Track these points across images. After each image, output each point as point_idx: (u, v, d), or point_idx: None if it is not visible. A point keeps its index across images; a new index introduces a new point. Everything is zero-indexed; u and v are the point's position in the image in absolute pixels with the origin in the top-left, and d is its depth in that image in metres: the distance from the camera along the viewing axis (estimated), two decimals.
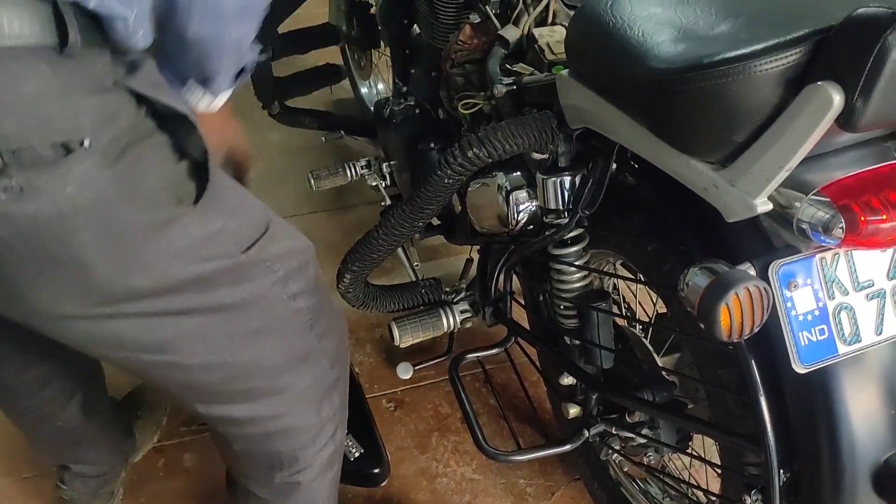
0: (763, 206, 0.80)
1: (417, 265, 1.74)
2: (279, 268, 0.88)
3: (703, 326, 0.81)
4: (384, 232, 1.18)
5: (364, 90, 2.53)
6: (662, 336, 1.25)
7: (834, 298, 0.83)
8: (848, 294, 0.83)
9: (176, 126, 0.76)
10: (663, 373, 1.18)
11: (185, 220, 0.76)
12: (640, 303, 1.39)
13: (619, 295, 1.39)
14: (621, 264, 1.26)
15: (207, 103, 0.89)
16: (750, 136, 0.79)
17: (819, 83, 0.72)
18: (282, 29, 1.91)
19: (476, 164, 1.08)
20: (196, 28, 0.77)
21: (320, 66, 2.07)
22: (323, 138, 2.00)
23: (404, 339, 1.38)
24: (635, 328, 1.27)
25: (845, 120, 0.72)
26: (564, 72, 1.05)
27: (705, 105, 0.79)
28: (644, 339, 1.24)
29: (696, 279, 0.81)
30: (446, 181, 1.09)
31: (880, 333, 0.84)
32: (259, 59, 1.85)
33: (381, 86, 2.52)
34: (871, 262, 0.84)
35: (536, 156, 1.13)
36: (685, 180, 0.88)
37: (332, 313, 1.04)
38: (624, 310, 1.38)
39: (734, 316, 0.78)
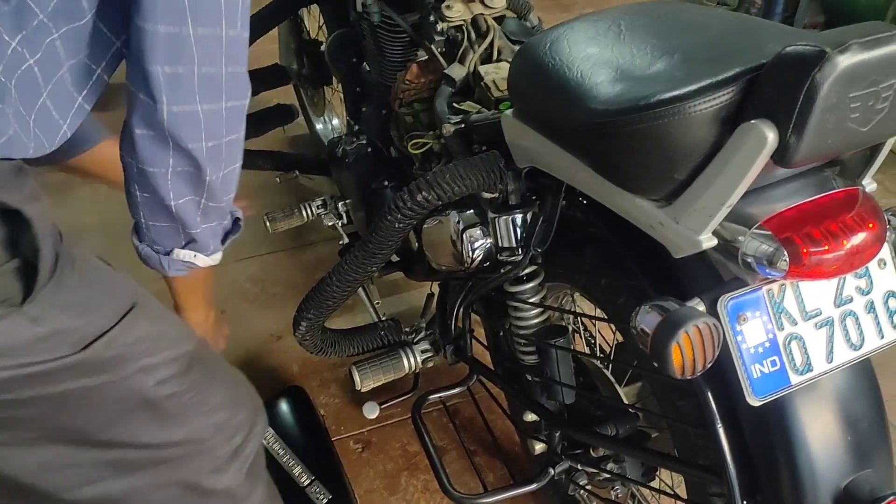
0: (708, 241, 0.80)
1: (378, 303, 1.73)
2: (140, 354, 0.81)
3: (656, 364, 0.80)
4: (338, 279, 1.17)
5: (319, 126, 2.52)
6: (624, 365, 1.26)
7: (783, 329, 0.83)
8: (797, 324, 0.84)
9: (7, 222, 0.70)
10: (626, 404, 1.18)
11: (7, 320, 0.70)
12: (599, 331, 1.39)
13: (580, 325, 1.39)
14: (580, 295, 1.26)
15: (203, 262, 0.91)
16: (690, 174, 0.80)
17: (753, 121, 0.73)
18: None
19: (426, 207, 1.07)
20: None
21: (272, 106, 2.06)
22: (278, 179, 1.98)
23: (365, 383, 1.37)
24: (596, 360, 1.27)
25: (780, 157, 0.73)
26: (509, 111, 1.06)
27: (644, 146, 0.80)
28: (605, 371, 1.23)
29: (647, 318, 0.81)
30: (397, 225, 1.08)
31: (831, 361, 0.84)
32: None
33: (335, 121, 2.52)
34: (817, 291, 0.85)
35: (486, 195, 1.13)
36: (631, 218, 0.88)
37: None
38: (584, 341, 1.38)
39: (686, 353, 0.78)
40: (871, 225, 0.80)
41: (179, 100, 0.73)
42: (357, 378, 1.36)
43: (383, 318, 1.64)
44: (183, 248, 0.90)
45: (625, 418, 1.14)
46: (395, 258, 1.65)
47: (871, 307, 0.87)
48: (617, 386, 1.22)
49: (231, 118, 0.78)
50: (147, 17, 0.69)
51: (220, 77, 0.75)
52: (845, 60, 0.69)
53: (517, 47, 1.40)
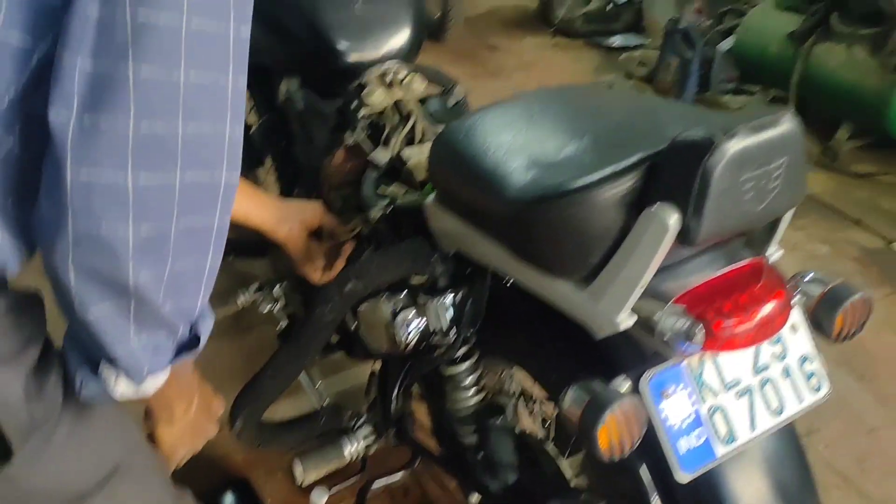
0: (626, 321, 0.83)
1: (320, 385, 1.71)
2: None
3: (584, 448, 0.81)
4: (272, 374, 1.16)
5: None
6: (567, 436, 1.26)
7: (706, 401, 0.85)
8: (718, 395, 0.86)
9: None
10: (568, 481, 1.18)
11: None
12: (541, 403, 1.39)
13: (521, 398, 1.39)
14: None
15: (126, 390, 0.68)
16: (604, 257, 0.83)
17: (655, 206, 0.76)
18: None
19: (355, 297, 1.08)
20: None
21: None
22: None
23: (308, 475, 1.34)
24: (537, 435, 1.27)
25: (683, 238, 0.76)
26: (431, 198, 1.08)
27: (557, 233, 0.82)
28: (547, 446, 1.24)
29: (573, 400, 0.82)
30: (326, 319, 1.08)
31: (755, 429, 0.87)
32: None
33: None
34: (735, 361, 0.88)
35: (416, 279, 1.14)
36: (553, 300, 0.90)
37: None
38: (528, 413, 1.38)
39: (612, 435, 0.79)
40: (776, 294, 0.83)
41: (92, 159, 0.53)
42: (299, 471, 1.34)
43: (325, 403, 1.62)
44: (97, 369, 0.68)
45: (568, 494, 1.14)
46: (335, 338, 1.64)
47: (787, 372, 0.90)
48: (561, 459, 1.22)
49: (191, 195, 0.58)
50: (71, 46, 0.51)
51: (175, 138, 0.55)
52: (734, 146, 0.73)
53: (440, 127, 1.44)
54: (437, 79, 1.96)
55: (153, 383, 0.70)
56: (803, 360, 0.91)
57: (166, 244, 0.58)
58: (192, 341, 0.72)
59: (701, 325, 0.80)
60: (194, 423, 0.93)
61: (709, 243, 0.79)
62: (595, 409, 0.79)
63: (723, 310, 0.81)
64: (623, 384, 0.84)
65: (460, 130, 1.00)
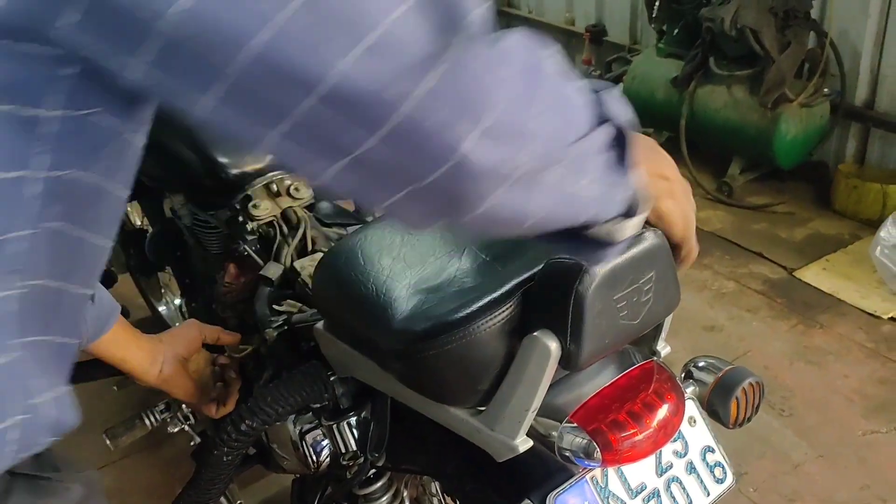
0: (523, 444, 0.81)
1: (241, 502, 1.64)
2: None
3: None
4: None
5: (162, 309, 2.43)
6: None
7: None
8: None
9: None
10: None
11: None
12: None
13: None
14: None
15: None
16: (493, 384, 0.81)
17: (535, 334, 0.76)
18: None
19: (253, 434, 1.03)
20: None
21: None
22: (115, 387, 1.87)
23: None
24: None
25: (566, 363, 0.76)
26: (320, 324, 1.05)
27: (443, 366, 0.81)
28: None
29: None
30: (225, 459, 1.03)
31: None
32: None
33: (178, 300, 2.44)
34: (639, 467, 0.87)
35: (316, 405, 1.10)
36: (451, 427, 0.88)
37: None
38: None
39: None
40: (668, 397, 0.84)
41: None
42: None
43: None
44: None
45: None
46: (252, 450, 1.58)
47: (691, 468, 0.90)
48: None
49: None
50: None
51: None
52: (601, 269, 0.73)
53: (331, 232, 1.42)
54: None
55: None
56: (705, 451, 0.91)
57: None
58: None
59: (596, 442, 0.79)
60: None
61: (591, 364, 0.79)
62: None
63: (617, 422, 0.81)
64: None
65: (340, 255, 0.98)
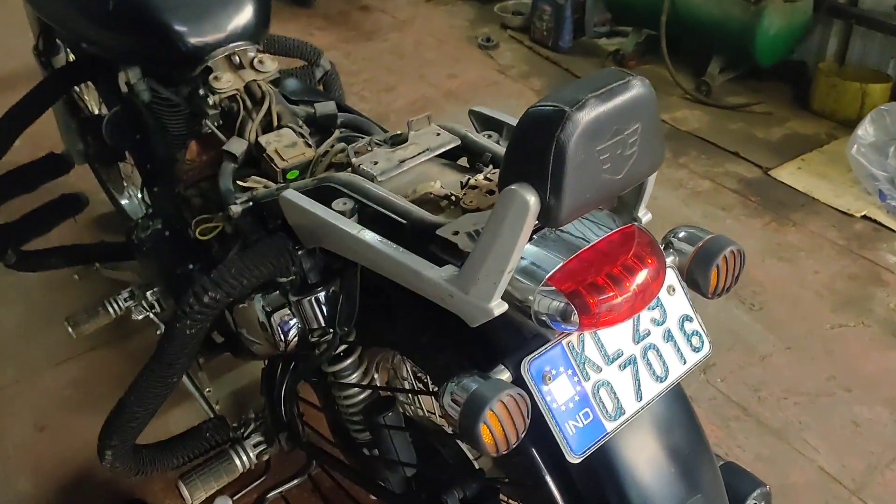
0: (498, 308, 0.78)
1: (209, 390, 1.62)
2: None
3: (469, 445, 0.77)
4: (137, 398, 1.07)
5: (125, 202, 2.35)
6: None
7: (590, 379, 0.82)
8: (602, 370, 0.83)
9: None
10: (472, 461, 1.15)
11: None
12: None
13: (416, 386, 1.35)
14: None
15: None
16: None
17: (513, 186, 0.71)
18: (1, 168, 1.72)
19: (216, 307, 0.99)
20: None
21: (56, 198, 1.89)
22: (76, 276, 1.82)
23: (195, 495, 1.26)
24: (435, 419, 1.24)
25: (545, 218, 0.71)
26: (288, 191, 1.00)
27: None
28: (446, 427, 1.20)
29: (452, 398, 0.78)
30: (188, 332, 1.00)
31: (641, 399, 0.84)
32: None
33: (140, 194, 2.35)
34: (616, 333, 0.85)
35: (282, 279, 1.06)
36: (423, 293, 0.85)
37: None
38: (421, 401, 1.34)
39: (495, 431, 0.75)
40: (649, 261, 0.81)
41: None
42: (186, 493, 1.25)
43: (216, 407, 1.54)
44: None
45: (471, 478, 1.11)
46: (219, 339, 1.55)
47: (668, 336, 0.88)
48: (461, 443, 1.18)
49: None
50: None
51: None
52: (584, 116, 0.68)
53: (297, 108, 1.35)
54: (299, 51, 1.85)
55: None
56: (683, 320, 0.89)
57: None
58: None
59: (574, 305, 0.76)
60: None
61: (572, 220, 0.75)
62: (474, 406, 0.75)
63: (596, 285, 0.78)
64: (503, 373, 0.80)
65: None
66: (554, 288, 0.78)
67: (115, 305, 1.72)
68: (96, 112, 2.12)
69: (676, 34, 3.14)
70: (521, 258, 0.80)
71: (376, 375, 1.29)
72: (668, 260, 0.90)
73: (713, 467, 0.92)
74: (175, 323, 1.00)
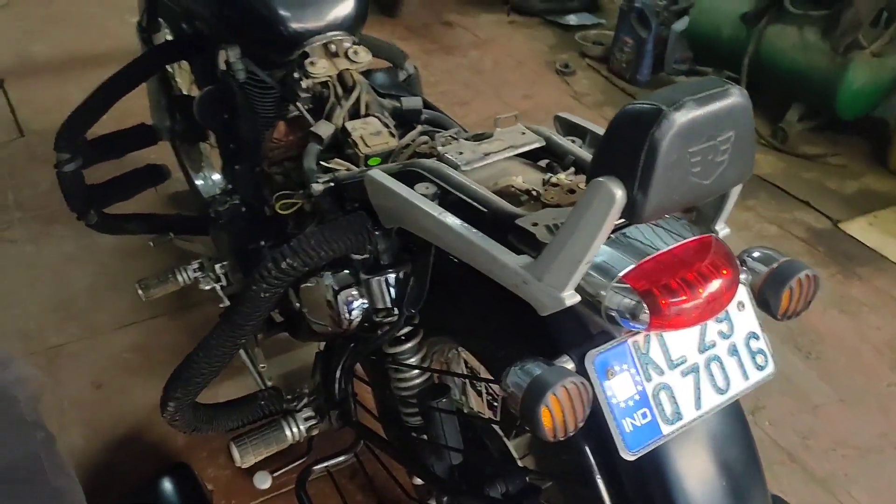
0: (571, 298, 0.80)
1: (263, 367, 1.66)
2: None
3: (527, 428, 0.79)
4: (205, 354, 1.11)
5: (199, 182, 2.44)
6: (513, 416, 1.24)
7: (651, 380, 0.83)
8: (664, 374, 0.84)
9: None
10: (514, 460, 1.16)
11: None
12: (489, 385, 1.37)
13: (468, 378, 1.37)
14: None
15: None
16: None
17: (601, 178, 0.73)
18: (93, 134, 1.80)
19: (292, 274, 1.03)
20: None
21: (141, 167, 1.97)
22: (151, 243, 1.89)
23: (245, 459, 1.30)
24: (483, 414, 1.25)
25: (629, 213, 0.73)
26: (373, 172, 1.03)
27: None
28: (494, 425, 1.21)
29: (515, 381, 0.79)
30: (262, 295, 1.04)
31: (700, 408, 0.85)
32: (68, 169, 1.74)
33: (216, 176, 2.44)
34: (682, 339, 0.85)
35: (356, 256, 1.09)
36: (496, 277, 0.87)
37: None
38: (475, 393, 1.35)
39: (556, 415, 0.77)
40: (724, 271, 0.81)
41: None
42: (237, 454, 1.29)
43: (268, 384, 1.58)
44: None
45: (514, 474, 1.12)
46: (279, 318, 1.59)
47: (734, 350, 0.88)
48: (506, 440, 1.19)
49: None
50: None
51: None
52: (681, 117, 0.70)
53: (384, 100, 1.39)
54: (387, 53, 1.91)
55: None
56: (749, 337, 0.89)
57: None
58: None
59: (646, 303, 0.78)
60: None
61: (655, 218, 0.76)
62: (537, 389, 0.76)
63: (669, 287, 0.79)
64: (567, 363, 0.82)
65: None
66: (628, 285, 0.79)
67: (185, 275, 1.78)
68: (185, 92, 2.21)
69: (757, 78, 3.12)
70: (597, 255, 0.81)
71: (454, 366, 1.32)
72: (741, 277, 0.90)
73: (764, 491, 0.92)
74: (251, 286, 1.04)
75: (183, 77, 2.23)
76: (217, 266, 1.71)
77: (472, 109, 3.35)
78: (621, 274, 0.80)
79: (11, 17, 4.07)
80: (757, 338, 0.90)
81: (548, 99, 3.50)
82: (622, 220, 0.75)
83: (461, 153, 1.04)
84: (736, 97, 0.73)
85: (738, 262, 0.84)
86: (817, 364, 2.07)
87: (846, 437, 1.86)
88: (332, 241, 1.03)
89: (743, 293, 0.90)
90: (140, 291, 1.79)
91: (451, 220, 0.90)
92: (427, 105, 1.44)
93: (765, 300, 0.90)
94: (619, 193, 0.72)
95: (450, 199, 0.98)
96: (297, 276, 1.04)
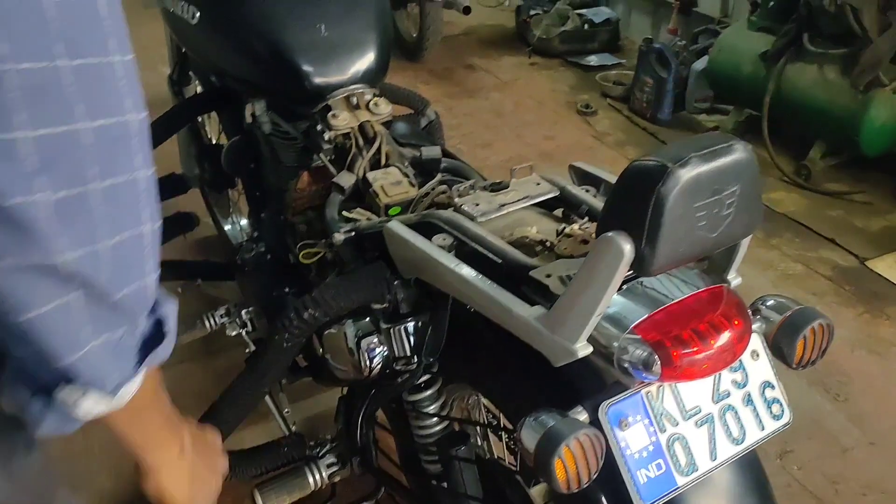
0: (583, 350, 0.81)
1: (288, 411, 1.68)
2: None
3: (542, 479, 0.80)
4: (230, 401, 1.13)
5: (228, 228, 2.49)
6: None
7: (665, 431, 0.84)
8: (678, 424, 0.84)
9: None
10: None
11: None
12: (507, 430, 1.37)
13: (489, 426, 1.37)
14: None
15: (95, 405, 0.59)
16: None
17: (610, 234, 0.75)
18: None
19: (313, 325, 1.06)
20: None
21: (170, 215, 2.02)
22: (179, 289, 1.93)
23: None
24: (504, 461, 1.26)
25: (638, 267, 0.75)
26: (392, 223, 1.06)
27: None
28: (515, 472, 1.22)
29: (530, 432, 0.80)
30: (285, 345, 1.06)
31: (715, 458, 0.85)
32: None
33: (244, 222, 2.49)
34: (695, 389, 0.86)
35: (376, 306, 1.12)
36: (511, 328, 0.89)
37: None
38: (496, 440, 1.36)
39: (569, 467, 0.78)
40: (736, 322, 0.82)
41: None
42: (259, 501, 1.30)
43: (293, 428, 1.60)
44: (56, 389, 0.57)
45: None
46: (303, 363, 1.62)
47: (748, 400, 0.89)
48: (526, 488, 1.20)
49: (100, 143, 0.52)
50: None
51: None
52: (686, 173, 0.72)
53: (406, 150, 1.43)
54: (408, 100, 1.95)
55: (127, 391, 0.61)
56: (764, 386, 0.90)
57: (85, 206, 0.51)
58: (156, 335, 0.64)
59: (657, 355, 0.79)
60: (194, 468, 0.80)
61: (664, 271, 0.78)
62: (550, 441, 0.77)
63: (681, 338, 0.80)
64: (581, 414, 0.83)
65: None
66: (639, 336, 0.80)
67: (212, 321, 1.81)
68: (214, 141, 2.28)
69: (779, 116, 3.13)
70: (609, 306, 0.83)
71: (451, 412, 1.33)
72: (755, 326, 0.91)
73: None
74: (273, 335, 1.07)
75: (212, 126, 2.30)
76: (243, 312, 1.74)
77: (495, 151, 3.39)
78: (633, 325, 0.81)
79: None
80: (772, 387, 0.91)
81: (569, 139, 3.54)
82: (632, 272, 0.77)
83: (477, 204, 1.07)
84: (740, 152, 0.75)
85: (749, 313, 0.85)
86: (846, 406, 2.04)
87: (876, 481, 1.82)
88: (352, 292, 1.06)
89: (757, 342, 0.91)
90: None
91: (467, 271, 0.93)
92: (446, 154, 1.47)
93: (779, 349, 0.91)
94: (628, 248, 0.74)
95: (466, 250, 1.00)
96: (318, 325, 1.06)
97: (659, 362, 0.79)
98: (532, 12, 4.47)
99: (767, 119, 3.09)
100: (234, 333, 1.75)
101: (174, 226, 2.02)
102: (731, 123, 3.40)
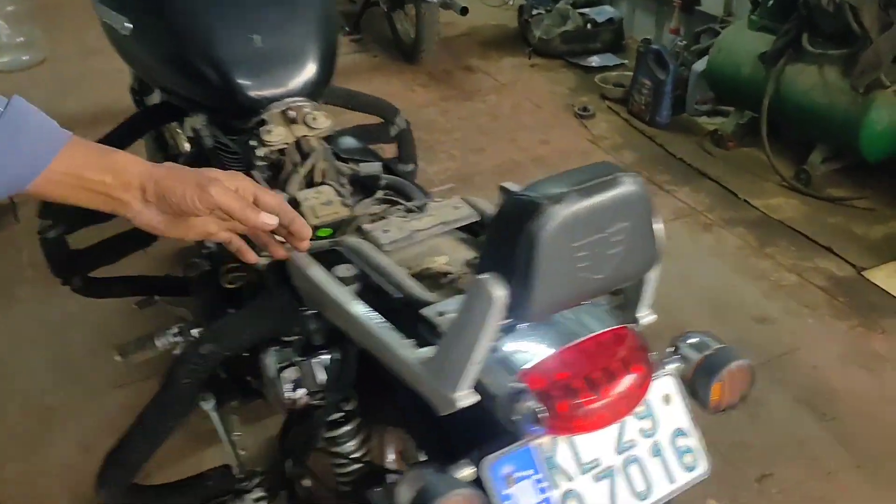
0: (465, 399, 0.74)
1: (239, 434, 1.62)
2: None
3: None
4: (138, 436, 1.07)
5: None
6: None
7: (559, 486, 0.77)
8: (573, 479, 0.77)
9: None
10: None
11: None
12: None
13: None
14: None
15: None
16: None
17: (483, 276, 0.68)
18: None
19: (214, 360, 0.99)
20: None
21: (128, 230, 1.97)
22: (135, 305, 1.89)
23: None
24: None
25: (514, 312, 0.68)
26: (294, 253, 1.00)
27: None
28: None
29: (405, 488, 0.74)
30: (184, 381, 1.00)
31: None
32: (50, 235, 1.75)
33: None
34: (595, 440, 0.79)
35: (286, 338, 1.06)
36: (398, 374, 0.82)
37: None
38: None
39: None
40: (634, 367, 0.75)
41: None
42: None
43: (241, 453, 1.54)
44: None
45: None
46: (256, 383, 1.56)
47: (657, 450, 0.81)
48: None
49: None
50: None
51: None
52: (562, 210, 0.65)
53: (346, 167, 1.36)
54: (377, 109, 1.89)
55: None
56: (676, 434, 0.82)
57: None
58: None
59: (544, 407, 0.72)
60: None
61: (544, 318, 0.70)
62: (422, 500, 0.71)
63: (570, 388, 0.73)
64: (466, 468, 0.76)
65: None
66: (525, 385, 0.73)
67: (164, 340, 1.76)
68: (181, 151, 2.23)
69: (778, 119, 3.02)
70: (503, 347, 0.76)
71: (391, 449, 1.26)
72: (671, 367, 0.84)
73: None
74: (172, 370, 1.01)
75: (180, 138, 2.25)
76: (194, 331, 1.69)
77: (487, 156, 3.31)
78: (519, 372, 0.74)
79: (49, 72, 4.22)
80: (686, 435, 0.83)
81: (565, 143, 3.45)
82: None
83: (387, 231, 1.00)
84: (626, 186, 0.68)
85: (649, 358, 0.78)
86: (833, 426, 1.94)
87: None
88: (255, 325, 1.00)
89: (671, 385, 0.83)
90: (118, 356, 1.78)
91: (356, 308, 0.86)
92: (390, 170, 1.40)
93: (695, 391, 0.83)
94: (500, 293, 0.67)
95: (370, 281, 0.94)
96: (218, 360, 1.00)
97: (546, 414, 0.72)
98: (535, 12, 4.38)
99: (767, 122, 2.97)
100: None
101: (132, 241, 1.97)
102: (732, 126, 3.29)
